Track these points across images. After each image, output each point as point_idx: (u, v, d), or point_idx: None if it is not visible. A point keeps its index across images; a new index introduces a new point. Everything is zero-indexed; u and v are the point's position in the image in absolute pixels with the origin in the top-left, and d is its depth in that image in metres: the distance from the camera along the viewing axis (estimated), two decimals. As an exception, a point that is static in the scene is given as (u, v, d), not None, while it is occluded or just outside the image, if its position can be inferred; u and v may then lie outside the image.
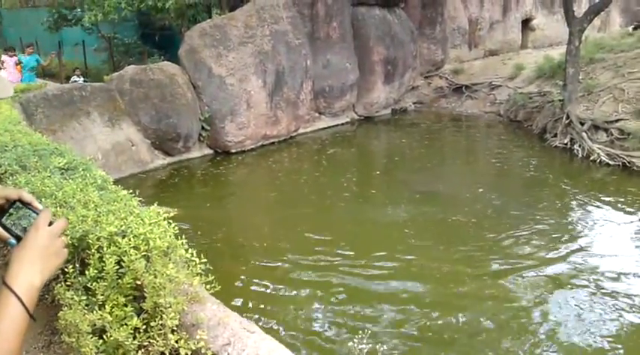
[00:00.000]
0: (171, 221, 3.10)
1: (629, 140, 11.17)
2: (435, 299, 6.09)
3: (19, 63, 14.50)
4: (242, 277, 6.72)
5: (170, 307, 2.52)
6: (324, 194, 10.08)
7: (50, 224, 1.21)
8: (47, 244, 1.18)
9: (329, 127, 15.23)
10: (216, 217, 8.95)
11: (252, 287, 6.44)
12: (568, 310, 5.86)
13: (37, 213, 1.23)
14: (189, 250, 2.95)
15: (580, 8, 18.58)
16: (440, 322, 5.59)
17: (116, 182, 4.20)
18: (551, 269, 6.81)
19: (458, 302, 6.01)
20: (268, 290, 6.38)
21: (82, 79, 14.68)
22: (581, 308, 5.89)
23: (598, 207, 9.12)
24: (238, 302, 5.95)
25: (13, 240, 1.20)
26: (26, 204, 1.25)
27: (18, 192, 1.29)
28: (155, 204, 3.16)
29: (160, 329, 2.51)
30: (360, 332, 4.12)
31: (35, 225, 1.19)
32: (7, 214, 1.23)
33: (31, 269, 1.14)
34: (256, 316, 5.67)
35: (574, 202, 9.47)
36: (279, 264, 7.10)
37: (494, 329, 5.47)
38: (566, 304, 5.99)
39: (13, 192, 1.29)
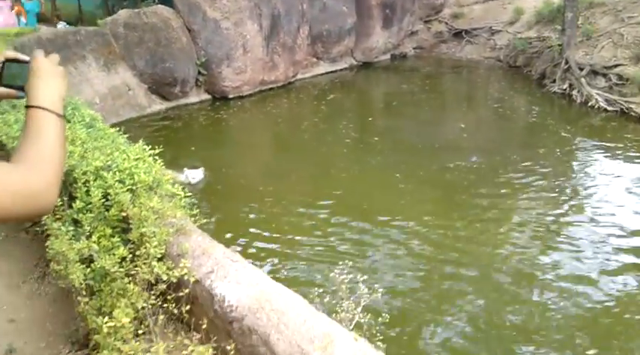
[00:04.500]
0: (157, 157, 3.16)
1: (627, 86, 11.10)
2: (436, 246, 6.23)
3: (12, 7, 14.32)
4: (240, 215, 6.87)
5: (154, 237, 2.61)
6: (323, 140, 10.10)
7: None
8: (50, 68, 1.27)
9: (328, 73, 15.10)
10: (216, 160, 9.00)
11: (249, 227, 6.58)
12: (569, 254, 5.98)
13: (27, 61, 1.28)
14: (176, 185, 3.03)
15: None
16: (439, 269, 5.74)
17: (114, 126, 4.26)
18: (551, 217, 6.90)
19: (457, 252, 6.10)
20: (263, 228, 6.52)
21: (65, 24, 14.52)
22: (584, 253, 6.01)
23: (597, 153, 9.17)
24: (230, 236, 6.09)
25: (21, 93, 1.27)
26: (13, 61, 1.29)
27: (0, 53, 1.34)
28: (140, 142, 3.21)
29: (146, 258, 2.61)
30: (341, 263, 4.23)
31: (34, 58, 1.27)
32: (1, 76, 1.27)
33: (48, 88, 1.23)
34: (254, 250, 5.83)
35: (573, 149, 9.50)
36: (276, 205, 7.21)
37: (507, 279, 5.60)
38: (569, 250, 6.09)
39: None
